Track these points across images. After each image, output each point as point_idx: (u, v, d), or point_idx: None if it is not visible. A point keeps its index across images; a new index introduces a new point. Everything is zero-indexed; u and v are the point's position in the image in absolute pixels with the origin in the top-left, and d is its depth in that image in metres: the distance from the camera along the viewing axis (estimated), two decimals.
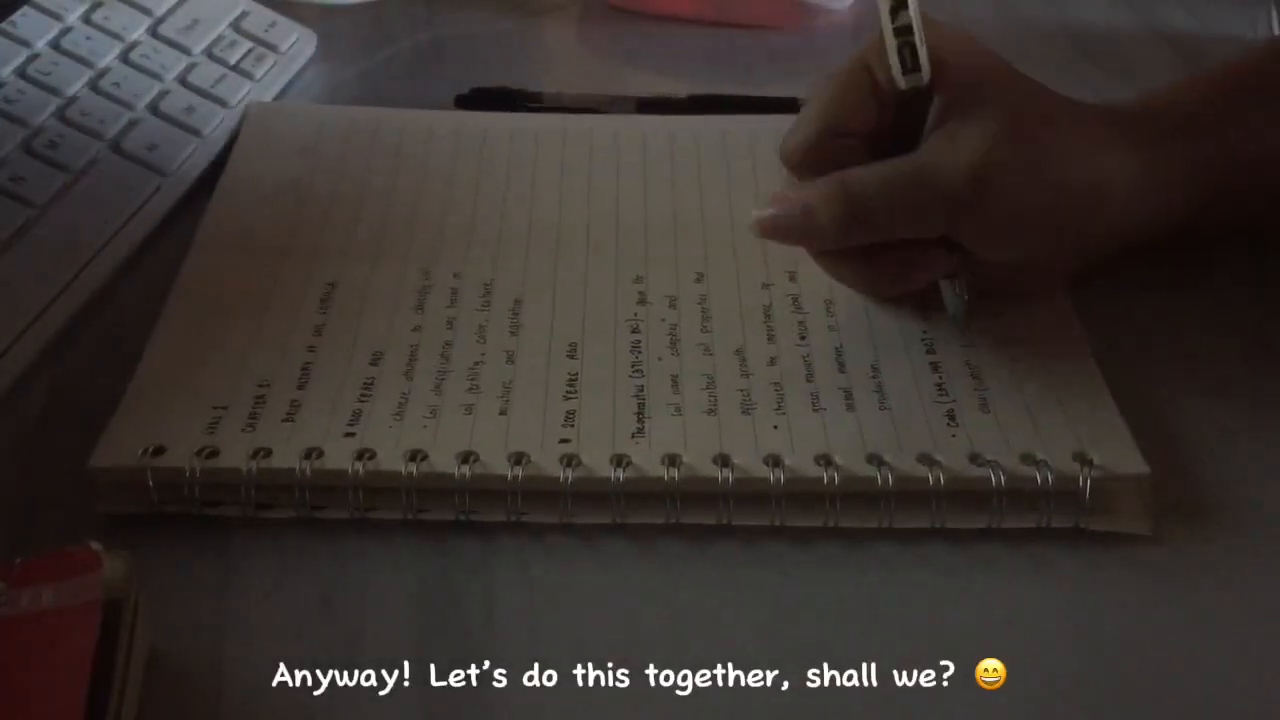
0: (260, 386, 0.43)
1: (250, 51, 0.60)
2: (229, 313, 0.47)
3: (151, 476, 0.40)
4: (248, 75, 0.59)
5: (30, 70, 0.54)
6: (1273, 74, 0.49)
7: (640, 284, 0.48)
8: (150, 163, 0.53)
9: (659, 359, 0.45)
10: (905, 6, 0.41)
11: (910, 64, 0.42)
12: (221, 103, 0.57)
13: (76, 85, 0.55)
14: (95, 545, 0.35)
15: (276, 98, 0.60)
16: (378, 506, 0.40)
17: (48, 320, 0.47)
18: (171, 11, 0.60)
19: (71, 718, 0.32)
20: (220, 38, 0.60)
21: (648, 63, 0.64)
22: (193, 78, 0.57)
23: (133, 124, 0.54)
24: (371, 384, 0.44)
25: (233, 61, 0.59)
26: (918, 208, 0.42)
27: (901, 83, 0.42)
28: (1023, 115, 0.43)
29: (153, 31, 0.59)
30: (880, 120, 0.44)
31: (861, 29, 0.66)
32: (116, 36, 0.57)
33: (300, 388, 0.43)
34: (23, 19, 0.56)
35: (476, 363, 0.45)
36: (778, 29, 0.66)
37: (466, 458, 0.40)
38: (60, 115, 0.53)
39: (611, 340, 0.46)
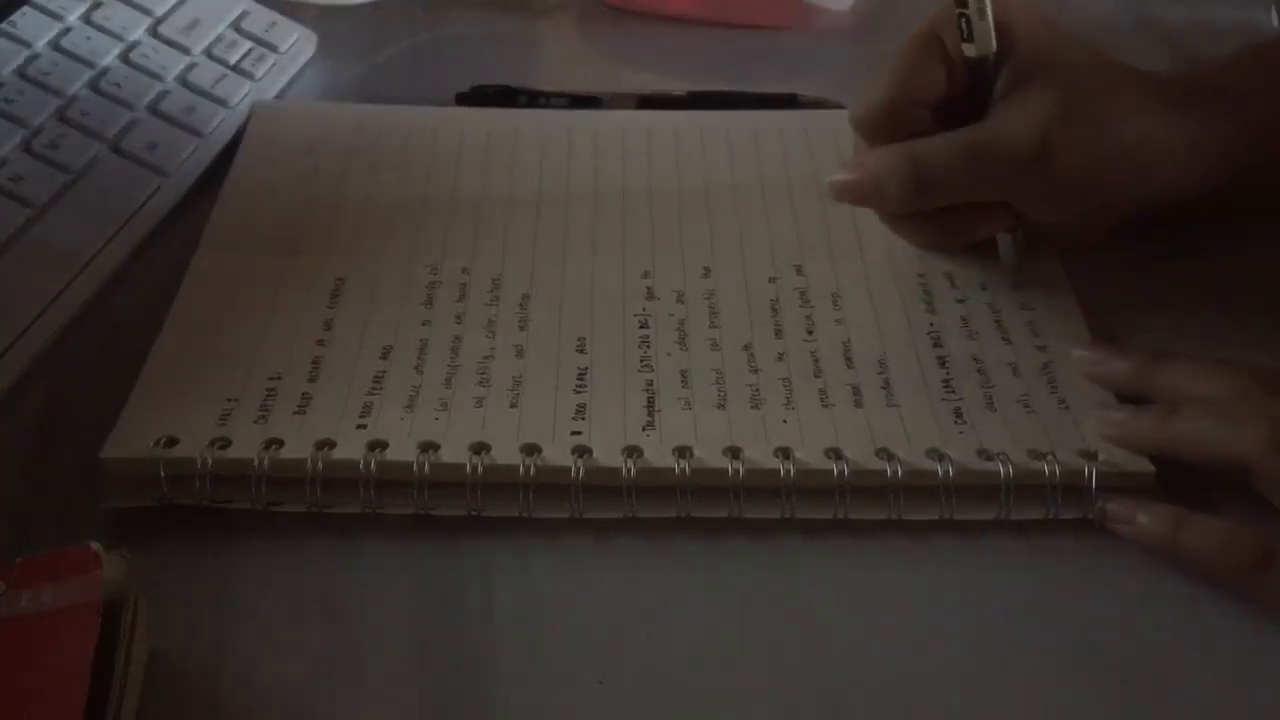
0: (271, 380, 0.43)
1: (250, 51, 0.60)
2: (238, 307, 0.47)
3: (163, 468, 0.40)
4: (248, 75, 0.59)
5: (30, 70, 0.54)
6: None
7: (648, 279, 0.48)
8: (150, 163, 0.53)
9: (667, 354, 0.45)
10: None
11: (968, 35, 0.44)
12: (221, 103, 0.57)
13: (76, 85, 0.54)
14: (95, 545, 0.35)
15: (277, 97, 0.59)
16: (387, 503, 0.40)
17: (48, 320, 0.47)
18: (171, 11, 0.60)
19: (71, 718, 0.31)
20: (220, 38, 0.60)
21: (648, 62, 0.64)
22: (193, 78, 0.57)
23: (133, 124, 0.54)
24: (382, 377, 0.44)
25: (233, 61, 0.59)
26: (982, 176, 0.45)
27: (970, 51, 0.44)
28: (1084, 84, 0.44)
29: (153, 31, 0.58)
30: (950, 89, 0.45)
31: (861, 28, 0.66)
32: (116, 36, 0.57)
33: (311, 381, 0.43)
34: (23, 19, 0.56)
35: (486, 357, 0.45)
36: (778, 29, 0.66)
37: (479, 449, 0.40)
38: (60, 115, 0.53)
39: (620, 335, 0.46)
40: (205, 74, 0.58)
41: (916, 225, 0.48)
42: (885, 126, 0.45)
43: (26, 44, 0.55)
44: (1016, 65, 0.45)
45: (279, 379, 0.43)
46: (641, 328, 0.46)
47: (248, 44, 0.60)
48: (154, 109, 0.55)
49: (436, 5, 0.67)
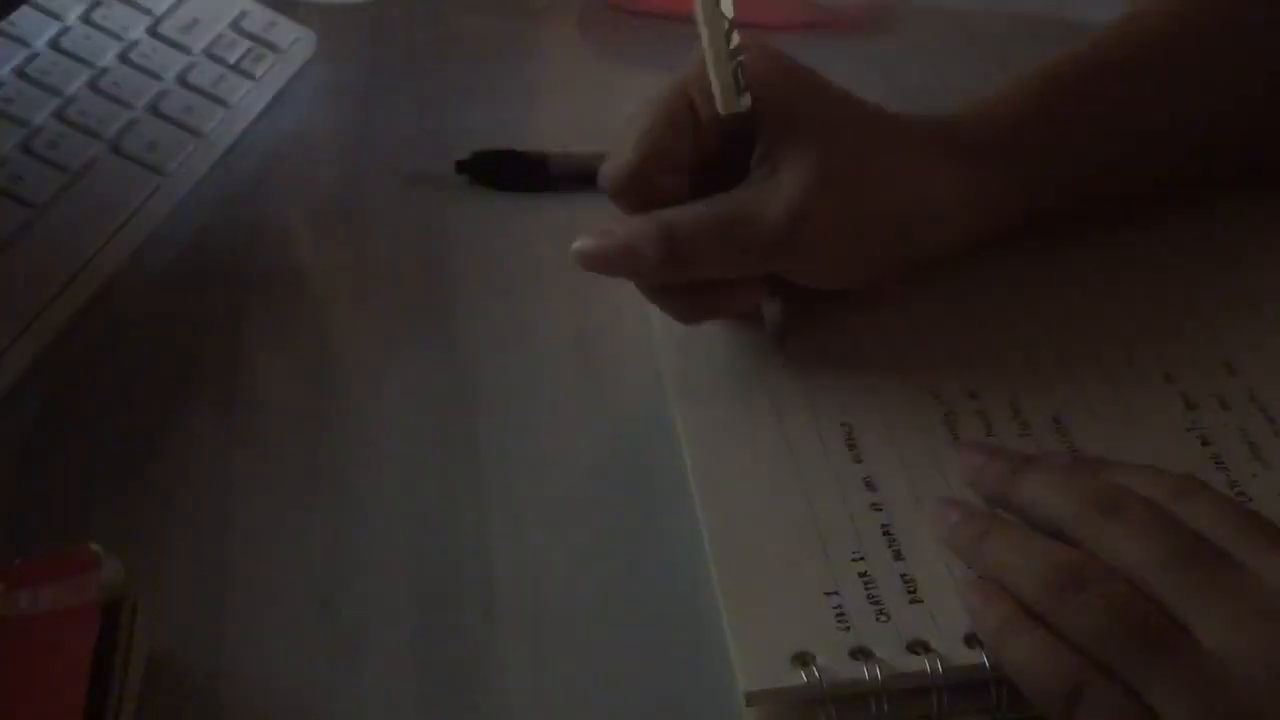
0: (855, 561, 0.38)
1: (250, 51, 0.60)
2: (758, 474, 0.41)
3: (806, 693, 0.34)
4: (247, 75, 0.59)
5: (29, 70, 0.54)
6: (1097, 82, 0.48)
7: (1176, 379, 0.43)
8: (150, 163, 0.53)
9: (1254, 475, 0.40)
10: (734, 29, 0.41)
11: (742, 86, 0.41)
12: (221, 102, 0.57)
13: (76, 85, 0.54)
14: (94, 546, 0.35)
15: (276, 97, 0.59)
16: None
17: (48, 320, 0.47)
18: (171, 11, 0.60)
19: (71, 718, 0.31)
20: (220, 37, 0.60)
21: (648, 62, 0.64)
22: (192, 77, 0.57)
23: (132, 124, 0.54)
24: None
25: (232, 61, 0.59)
26: (735, 250, 0.42)
27: (724, 108, 0.41)
28: (842, 146, 0.42)
29: (152, 31, 0.58)
30: (701, 150, 0.43)
31: (873, 28, 0.66)
32: (116, 36, 0.57)
33: (898, 559, 0.38)
34: (22, 18, 0.56)
35: None
36: (779, 29, 0.66)
37: None
38: (59, 115, 0.53)
39: (1181, 456, 0.40)
40: (204, 74, 0.58)
41: (674, 298, 0.44)
42: (636, 194, 0.42)
43: (25, 43, 0.55)
44: (771, 125, 0.42)
45: (862, 559, 0.38)
46: (1204, 444, 0.41)
47: (247, 43, 0.60)
48: (153, 109, 0.55)
49: (436, 5, 0.67)
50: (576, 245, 0.43)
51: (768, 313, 0.45)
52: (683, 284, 0.43)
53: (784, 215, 0.41)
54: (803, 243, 0.42)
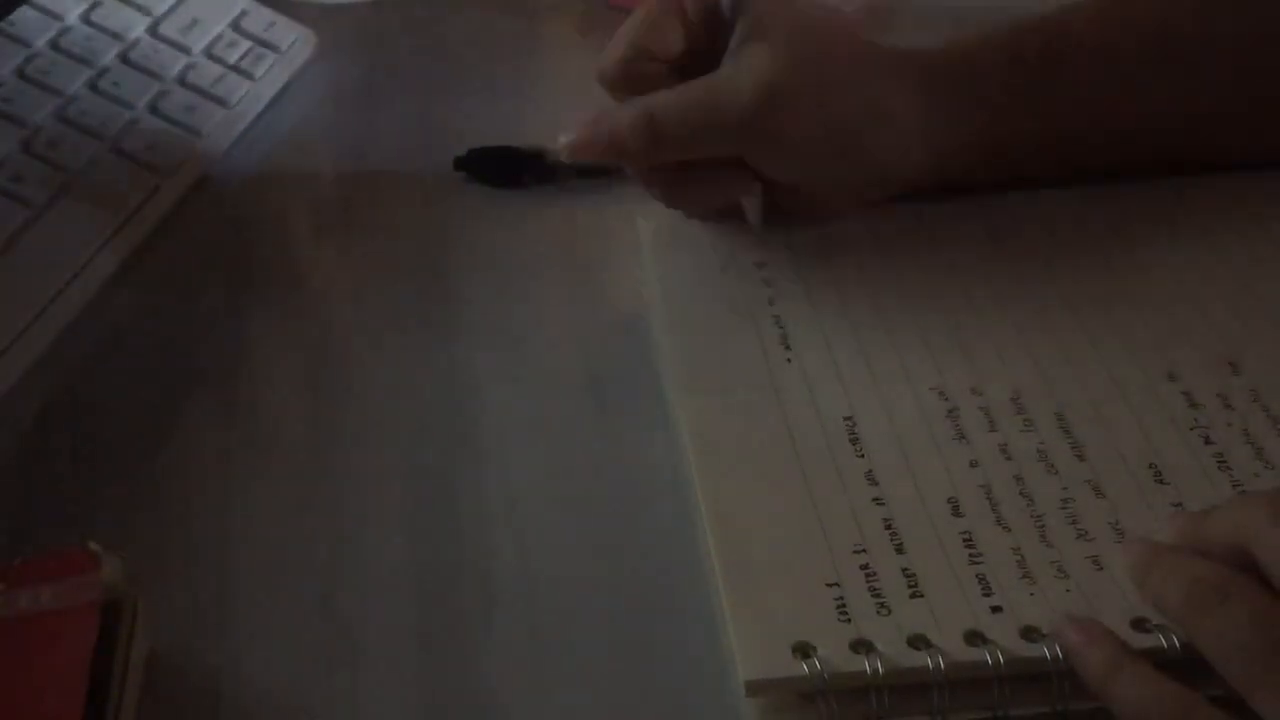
0: (856, 553, 0.37)
1: (250, 51, 0.60)
2: (759, 465, 0.41)
3: (807, 684, 0.34)
4: (247, 75, 0.59)
5: (29, 70, 0.54)
6: (1070, 52, 0.49)
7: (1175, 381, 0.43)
8: (150, 163, 0.53)
9: (1255, 475, 0.40)
10: None
11: None
12: (221, 102, 0.57)
13: (75, 85, 0.54)
14: (94, 546, 0.35)
15: (276, 97, 0.59)
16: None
17: (47, 321, 0.47)
18: (171, 11, 0.60)
19: (70, 718, 0.31)
20: (219, 37, 0.60)
21: None
22: (192, 77, 0.57)
23: (132, 124, 0.54)
24: (971, 539, 0.38)
25: (232, 61, 0.59)
26: (708, 127, 0.45)
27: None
28: (811, 45, 0.46)
29: (152, 31, 0.58)
30: (688, 44, 0.46)
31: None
32: (116, 36, 0.57)
33: (900, 552, 0.37)
34: (22, 18, 0.56)
35: (1065, 500, 0.39)
36: None
37: (1140, 624, 0.35)
38: (59, 115, 0.53)
39: (1190, 451, 0.40)
40: (204, 74, 0.58)
41: (664, 182, 0.48)
42: (625, 80, 0.46)
43: (25, 43, 0.55)
44: (747, 23, 0.45)
45: (864, 551, 0.38)
46: (1207, 444, 0.41)
47: (247, 43, 0.60)
48: (153, 108, 0.55)
49: (436, 5, 0.67)
50: (562, 139, 0.46)
51: (749, 204, 0.48)
52: (671, 168, 0.47)
53: (752, 92, 0.44)
54: (770, 124, 0.45)
